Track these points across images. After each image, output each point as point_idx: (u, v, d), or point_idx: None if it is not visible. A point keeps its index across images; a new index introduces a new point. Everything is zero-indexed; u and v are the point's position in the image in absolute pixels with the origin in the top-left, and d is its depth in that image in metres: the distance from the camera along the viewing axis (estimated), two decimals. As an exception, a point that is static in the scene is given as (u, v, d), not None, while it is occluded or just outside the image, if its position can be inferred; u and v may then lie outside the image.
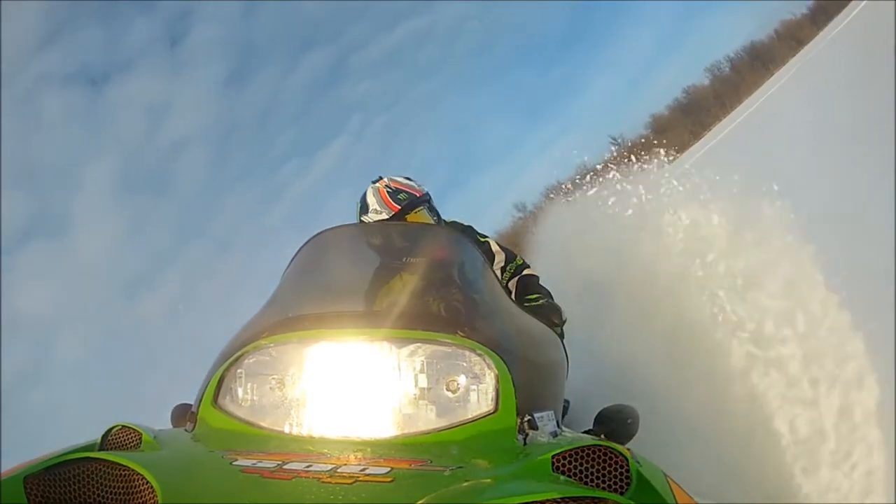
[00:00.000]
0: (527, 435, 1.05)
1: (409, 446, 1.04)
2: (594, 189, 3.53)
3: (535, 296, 1.94)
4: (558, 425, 1.15)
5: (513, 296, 1.97)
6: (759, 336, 2.02)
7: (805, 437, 1.82)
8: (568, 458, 0.86)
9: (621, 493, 0.81)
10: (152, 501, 0.81)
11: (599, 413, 1.39)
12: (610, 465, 0.85)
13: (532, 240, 4.23)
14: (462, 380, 1.13)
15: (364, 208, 1.99)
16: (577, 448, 0.87)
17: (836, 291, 2.06)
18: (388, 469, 0.87)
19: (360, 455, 0.99)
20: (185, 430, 1.19)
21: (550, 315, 1.69)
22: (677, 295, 2.26)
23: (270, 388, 1.17)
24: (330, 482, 0.83)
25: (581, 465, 0.86)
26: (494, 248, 2.08)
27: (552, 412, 1.17)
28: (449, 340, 1.15)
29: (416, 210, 1.96)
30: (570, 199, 3.98)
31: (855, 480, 1.74)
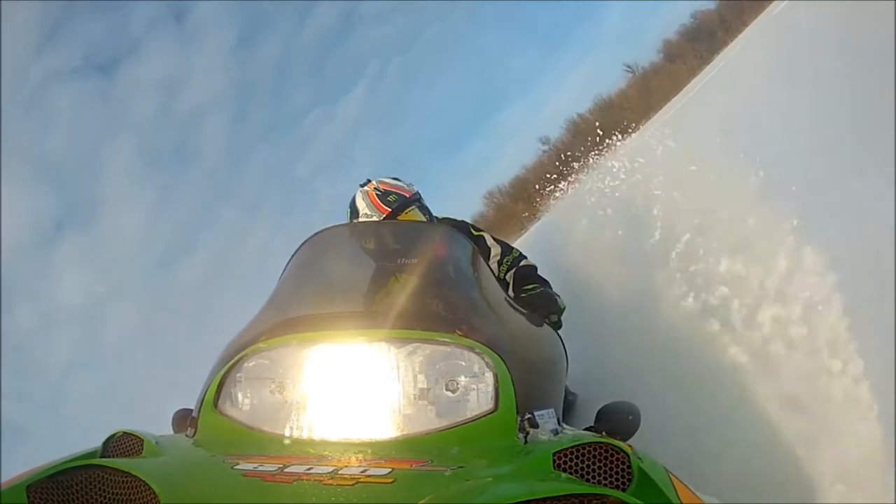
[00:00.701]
0: (527, 433, 1.05)
1: (410, 447, 1.04)
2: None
3: (531, 286, 1.93)
4: (559, 422, 1.15)
5: (510, 288, 1.97)
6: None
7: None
8: (569, 456, 0.86)
9: (623, 490, 0.81)
10: None
11: (600, 410, 1.39)
12: (611, 462, 0.85)
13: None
14: (461, 379, 1.13)
15: (354, 213, 1.98)
16: (579, 445, 0.87)
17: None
18: (389, 470, 0.87)
19: (360, 456, 1.00)
20: (186, 436, 1.19)
21: (547, 303, 1.69)
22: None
23: (270, 391, 1.17)
24: (331, 484, 0.83)
25: (582, 462, 0.86)
26: (490, 241, 2.08)
27: (552, 410, 1.17)
28: (447, 340, 1.15)
29: (407, 210, 1.95)
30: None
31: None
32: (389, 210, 1.93)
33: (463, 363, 1.14)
